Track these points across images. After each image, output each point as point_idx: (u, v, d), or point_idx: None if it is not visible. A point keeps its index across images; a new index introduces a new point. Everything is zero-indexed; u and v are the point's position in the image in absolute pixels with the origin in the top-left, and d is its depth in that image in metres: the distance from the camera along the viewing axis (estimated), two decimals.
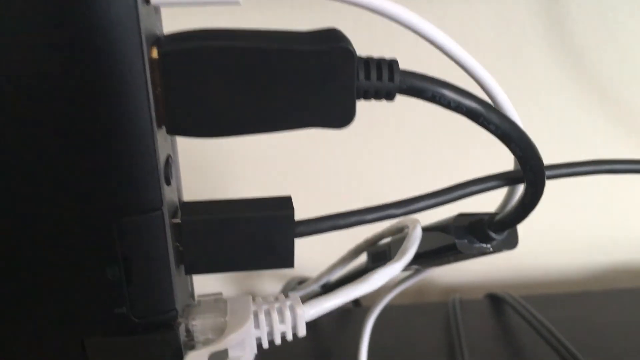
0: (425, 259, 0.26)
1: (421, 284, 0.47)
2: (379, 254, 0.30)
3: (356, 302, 0.43)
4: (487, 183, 0.20)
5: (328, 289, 0.40)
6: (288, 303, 0.19)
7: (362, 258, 0.33)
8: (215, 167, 0.42)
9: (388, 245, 0.28)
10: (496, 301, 0.43)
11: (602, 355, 0.36)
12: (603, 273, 0.48)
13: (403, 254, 0.22)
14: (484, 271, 0.47)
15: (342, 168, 0.43)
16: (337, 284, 0.38)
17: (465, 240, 0.24)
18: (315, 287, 0.35)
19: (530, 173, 0.19)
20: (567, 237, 0.47)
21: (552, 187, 0.44)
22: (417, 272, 0.31)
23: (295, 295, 0.19)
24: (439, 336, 0.39)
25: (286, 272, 0.41)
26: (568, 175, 0.21)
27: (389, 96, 0.16)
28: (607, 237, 0.47)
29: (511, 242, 0.24)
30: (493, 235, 0.23)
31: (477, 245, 0.24)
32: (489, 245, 0.23)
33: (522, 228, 0.45)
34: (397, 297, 0.47)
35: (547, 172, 0.20)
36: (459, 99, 0.16)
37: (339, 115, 0.16)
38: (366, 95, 0.16)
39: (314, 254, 0.38)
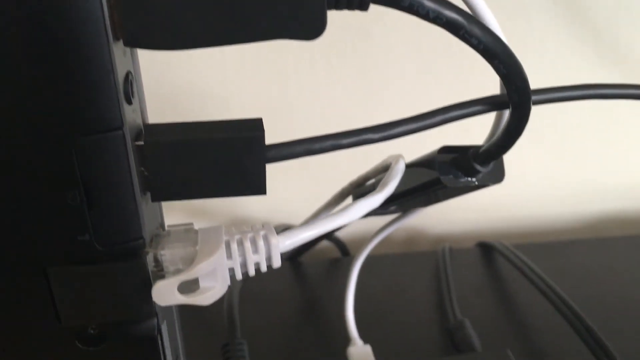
0: (410, 198, 0.26)
1: (412, 234, 0.47)
2: (363, 195, 0.29)
3: (345, 252, 0.43)
4: (470, 108, 0.19)
5: None
6: (262, 233, 0.18)
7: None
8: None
9: (373, 185, 0.28)
10: (487, 249, 0.42)
11: (593, 302, 0.36)
12: (594, 222, 0.47)
13: (384, 186, 0.21)
14: (475, 221, 0.47)
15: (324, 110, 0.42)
16: None
17: (450, 175, 0.23)
18: (299, 236, 0.34)
19: (515, 94, 0.18)
20: (558, 186, 0.46)
21: (543, 136, 0.44)
22: (403, 214, 0.30)
23: (270, 225, 0.19)
24: (428, 284, 0.39)
25: (270, 220, 0.40)
26: (556, 100, 0.20)
27: (363, 6, 0.15)
28: (598, 185, 0.46)
29: (497, 176, 0.23)
30: (478, 167, 0.22)
31: (463, 179, 0.23)
32: (474, 179, 0.23)
33: (513, 178, 0.45)
34: (387, 247, 0.46)
35: (534, 97, 0.19)
36: (439, 9, 0.15)
37: (309, 25, 0.15)
38: (338, 5, 0.15)
39: (300, 204, 0.37)
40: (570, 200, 0.46)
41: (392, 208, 0.29)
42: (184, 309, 0.35)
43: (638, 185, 0.47)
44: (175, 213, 0.43)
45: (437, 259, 0.40)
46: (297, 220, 0.37)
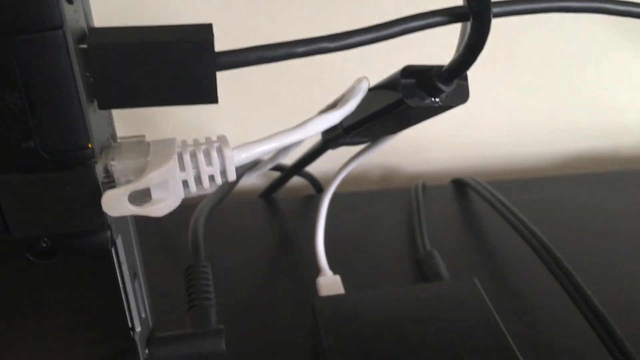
0: (376, 123, 0.25)
1: (387, 173, 0.47)
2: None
3: (318, 189, 0.42)
4: (430, 18, 0.19)
5: (282, 169, 0.39)
6: (216, 145, 0.18)
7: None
8: None
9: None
10: (461, 186, 0.42)
11: (565, 238, 0.36)
12: (568, 160, 0.47)
13: (345, 102, 0.21)
14: (450, 160, 0.47)
15: None
16: (295, 165, 0.37)
17: (414, 96, 0.22)
18: (270, 166, 0.34)
19: (474, 3, 0.17)
20: (532, 124, 0.46)
21: (517, 74, 0.43)
22: (373, 144, 0.30)
23: (224, 137, 0.18)
24: (400, 219, 0.39)
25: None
26: (518, 13, 0.20)
27: None
28: (572, 124, 0.46)
29: (461, 96, 0.23)
30: (442, 87, 0.22)
31: (427, 100, 0.22)
32: (437, 99, 0.22)
33: (487, 117, 0.45)
34: (362, 185, 0.46)
35: (494, 9, 0.19)
36: None
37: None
38: None
39: None
40: (544, 139, 0.46)
41: (361, 138, 0.29)
42: (149, 234, 0.35)
43: (612, 124, 0.47)
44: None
45: (410, 195, 0.40)
46: None
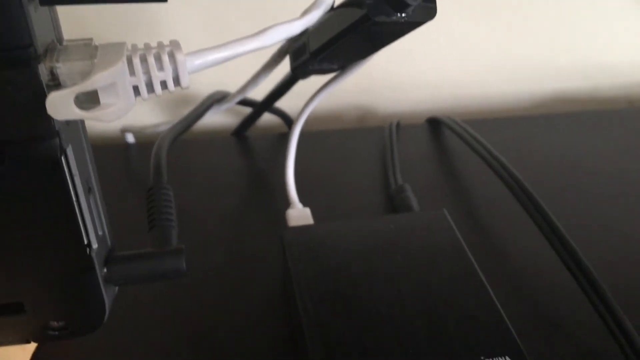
0: (343, 45, 0.25)
1: (363, 113, 0.46)
2: (298, 49, 0.28)
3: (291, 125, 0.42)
4: None
5: (253, 105, 0.39)
6: (167, 49, 0.17)
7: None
8: None
9: (307, 35, 0.26)
10: (436, 125, 0.42)
11: (538, 175, 0.36)
12: (545, 101, 0.47)
13: (306, 13, 0.20)
14: (426, 100, 0.46)
15: None
16: (266, 100, 0.37)
17: (379, 11, 0.22)
18: (238, 98, 0.33)
19: None
20: (510, 65, 0.45)
21: (495, 14, 0.43)
22: (343, 71, 0.29)
23: (177, 41, 0.17)
24: (374, 156, 0.39)
25: (209, 88, 0.38)
26: None
27: None
28: (550, 64, 0.46)
29: (429, 12, 0.22)
30: (408, 0, 0.21)
31: (393, 16, 0.22)
32: (403, 15, 0.22)
33: (465, 56, 0.44)
34: (336, 125, 0.46)
35: None
36: None
37: None
38: None
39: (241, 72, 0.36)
40: (521, 79, 0.46)
41: (330, 65, 0.28)
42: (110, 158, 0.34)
43: (590, 65, 0.46)
44: None
45: (384, 133, 0.40)
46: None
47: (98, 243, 0.20)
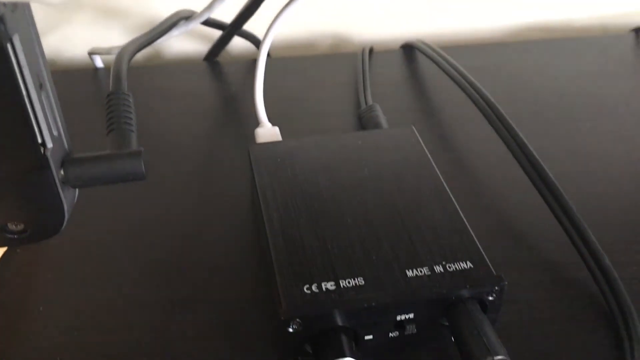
0: None
1: (337, 42, 0.45)
2: None
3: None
4: None
5: (220, 26, 0.38)
6: None
7: None
8: None
9: None
10: (410, 51, 0.42)
11: (511, 98, 0.36)
12: (520, 29, 0.46)
13: None
14: (401, 29, 0.45)
15: None
16: (235, 21, 0.36)
17: None
18: (204, 17, 0.32)
19: None
20: None
21: None
22: None
23: None
24: (346, 81, 0.38)
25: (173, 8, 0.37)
26: None
27: None
28: None
29: None
30: None
31: None
32: None
33: None
34: (309, 51, 0.45)
35: None
36: None
37: None
38: None
39: None
40: (496, 8, 0.45)
41: None
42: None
43: None
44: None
45: (357, 58, 0.39)
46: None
47: (53, 143, 0.19)
